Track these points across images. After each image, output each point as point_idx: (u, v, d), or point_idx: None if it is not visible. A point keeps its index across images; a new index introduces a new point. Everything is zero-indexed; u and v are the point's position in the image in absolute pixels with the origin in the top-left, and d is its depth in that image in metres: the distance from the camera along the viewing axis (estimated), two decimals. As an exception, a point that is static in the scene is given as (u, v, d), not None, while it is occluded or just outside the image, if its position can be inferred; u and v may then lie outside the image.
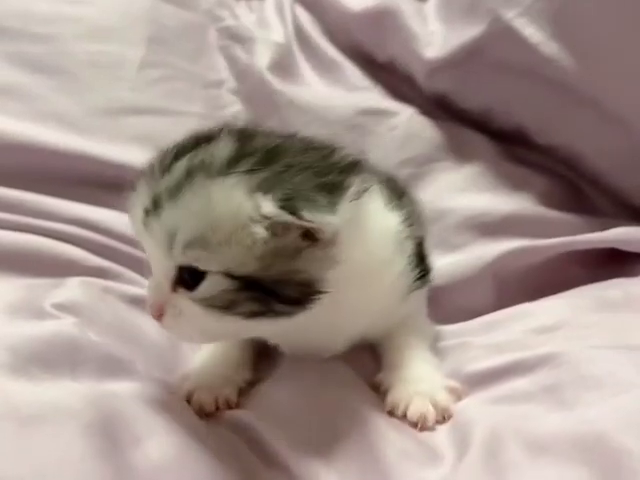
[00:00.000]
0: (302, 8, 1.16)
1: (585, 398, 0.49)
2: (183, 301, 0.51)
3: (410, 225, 0.63)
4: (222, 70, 1.12)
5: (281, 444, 0.50)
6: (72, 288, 0.66)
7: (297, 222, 0.46)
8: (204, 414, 0.56)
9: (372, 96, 1.04)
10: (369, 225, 0.56)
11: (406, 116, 0.99)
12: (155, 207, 0.49)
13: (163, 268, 0.51)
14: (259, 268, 0.48)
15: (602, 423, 0.45)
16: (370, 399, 0.59)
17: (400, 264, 0.61)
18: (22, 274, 0.70)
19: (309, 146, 0.55)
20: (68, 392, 0.46)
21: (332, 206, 0.48)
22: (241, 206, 0.47)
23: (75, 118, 0.91)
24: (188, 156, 0.51)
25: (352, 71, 1.07)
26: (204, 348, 0.66)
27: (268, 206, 0.46)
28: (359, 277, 0.56)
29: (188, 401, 0.57)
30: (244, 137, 0.53)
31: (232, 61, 1.12)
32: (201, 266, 0.49)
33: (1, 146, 0.82)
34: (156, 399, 0.52)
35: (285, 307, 0.50)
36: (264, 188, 0.47)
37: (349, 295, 0.55)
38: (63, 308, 0.60)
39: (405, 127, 0.98)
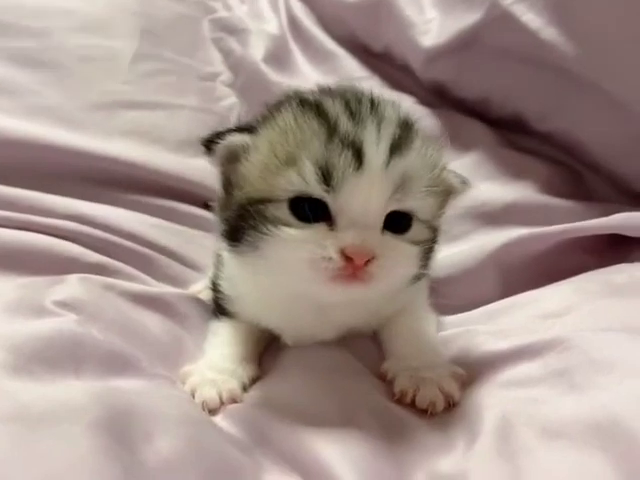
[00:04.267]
0: (295, -2, 1.15)
1: (596, 382, 0.48)
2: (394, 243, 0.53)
3: None
4: (216, 62, 1.12)
5: (288, 436, 0.50)
6: (72, 285, 0.65)
7: None
8: (208, 409, 0.55)
9: (369, 86, 1.03)
10: None
11: (404, 106, 0.98)
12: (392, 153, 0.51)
13: (378, 213, 0.52)
14: None
15: (616, 408, 0.44)
16: (376, 388, 0.58)
17: None
18: (21, 272, 0.69)
19: None
20: (74, 390, 0.45)
21: None
22: None
23: (68, 113, 0.90)
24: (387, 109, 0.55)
25: (348, 61, 1.07)
26: (211, 340, 0.66)
27: None
28: None
29: (193, 396, 0.57)
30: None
31: (226, 53, 1.11)
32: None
33: (-5, 142, 0.81)
34: (163, 395, 0.51)
35: None
36: None
37: None
38: (64, 305, 0.59)
39: (403, 117, 0.97)
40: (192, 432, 0.47)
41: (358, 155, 0.50)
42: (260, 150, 0.53)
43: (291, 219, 0.51)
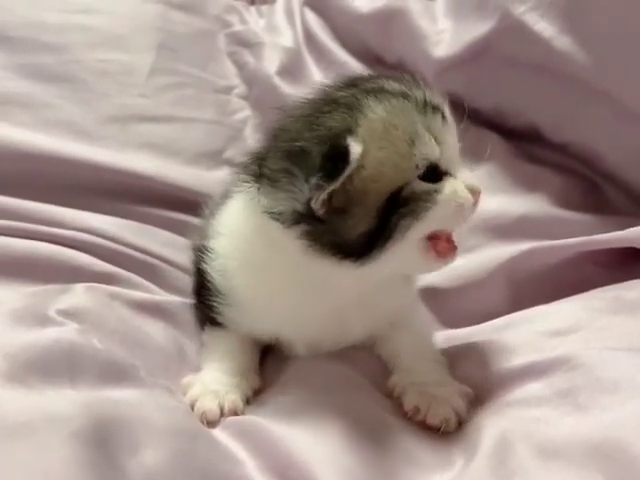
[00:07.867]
0: (311, 12, 1.16)
1: (600, 402, 0.47)
2: None
3: None
4: (231, 76, 1.13)
5: (283, 449, 0.49)
6: (78, 294, 0.65)
7: None
8: (207, 421, 0.55)
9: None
10: None
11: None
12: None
13: None
14: None
15: (618, 428, 0.43)
16: (378, 402, 0.58)
17: None
18: (28, 280, 0.70)
19: None
20: (62, 399, 0.45)
21: None
22: None
23: (84, 126, 0.91)
24: None
25: (361, 73, 1.06)
26: (209, 354, 0.65)
27: None
28: None
29: (192, 407, 0.57)
30: None
31: (241, 66, 1.13)
32: None
33: (10, 156, 0.83)
34: (156, 405, 0.51)
35: None
36: None
37: None
38: (67, 314, 0.60)
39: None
40: (181, 443, 0.46)
41: (442, 114, 0.57)
42: (377, 146, 0.54)
43: (431, 186, 0.55)
